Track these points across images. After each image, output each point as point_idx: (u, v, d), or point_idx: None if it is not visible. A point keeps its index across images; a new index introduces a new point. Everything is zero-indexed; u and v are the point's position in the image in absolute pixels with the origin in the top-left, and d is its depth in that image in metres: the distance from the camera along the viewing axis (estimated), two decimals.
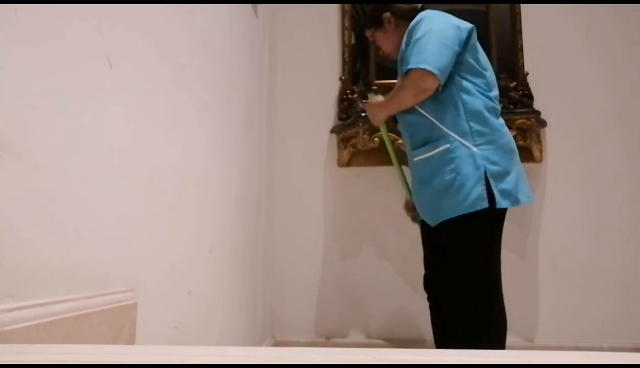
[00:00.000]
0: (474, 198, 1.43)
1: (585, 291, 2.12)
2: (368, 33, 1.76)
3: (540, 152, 2.15)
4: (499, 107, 1.58)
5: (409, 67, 1.47)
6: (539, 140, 2.14)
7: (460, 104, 1.50)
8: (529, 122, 2.10)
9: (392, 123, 1.86)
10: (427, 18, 1.53)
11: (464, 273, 1.49)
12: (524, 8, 2.27)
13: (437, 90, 1.48)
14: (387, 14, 1.67)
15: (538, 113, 2.12)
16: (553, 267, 2.15)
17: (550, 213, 2.18)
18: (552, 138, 2.21)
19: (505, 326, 1.52)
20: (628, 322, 2.08)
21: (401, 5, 1.67)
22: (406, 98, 1.52)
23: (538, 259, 2.17)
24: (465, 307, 1.47)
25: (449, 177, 1.47)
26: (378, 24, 1.69)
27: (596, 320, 2.09)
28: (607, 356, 0.47)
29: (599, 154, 2.19)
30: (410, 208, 1.78)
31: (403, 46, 1.58)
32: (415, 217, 1.77)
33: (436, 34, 1.47)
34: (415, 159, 1.57)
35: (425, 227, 1.68)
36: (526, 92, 2.16)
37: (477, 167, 1.45)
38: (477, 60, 1.54)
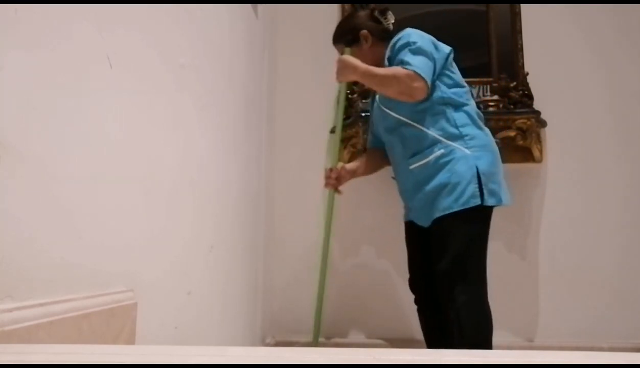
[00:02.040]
0: (468, 195, 1.51)
1: (585, 291, 2.11)
2: (342, 48, 1.75)
3: (540, 152, 2.14)
4: (482, 115, 1.68)
5: (412, 68, 1.50)
6: (539, 140, 2.14)
7: (448, 113, 1.59)
8: (529, 122, 2.10)
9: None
10: (412, 32, 1.61)
11: (464, 267, 1.52)
12: (524, 8, 2.27)
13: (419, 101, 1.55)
14: (364, 32, 1.70)
15: (538, 113, 2.12)
16: (553, 267, 2.15)
17: (550, 213, 2.18)
18: (552, 138, 2.21)
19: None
20: (628, 322, 2.07)
21: (377, 24, 1.72)
22: (390, 86, 1.55)
23: (538, 259, 2.17)
24: (470, 300, 1.50)
25: (444, 176, 1.54)
26: (355, 40, 1.71)
27: (596, 320, 2.09)
28: (607, 356, 0.47)
29: (598, 153, 2.19)
30: (335, 176, 1.78)
31: (387, 57, 1.64)
32: (331, 185, 1.79)
33: (426, 49, 1.55)
34: (411, 167, 1.62)
35: (414, 231, 1.72)
36: (526, 92, 2.16)
37: (470, 167, 1.53)
38: (455, 75, 1.64)
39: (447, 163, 1.54)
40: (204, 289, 1.37)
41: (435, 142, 1.57)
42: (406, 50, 1.56)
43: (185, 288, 1.23)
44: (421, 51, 1.54)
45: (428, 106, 1.58)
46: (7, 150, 0.65)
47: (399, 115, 1.62)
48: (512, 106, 2.14)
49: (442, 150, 1.55)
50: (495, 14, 2.28)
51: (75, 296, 0.78)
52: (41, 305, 0.69)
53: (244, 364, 0.48)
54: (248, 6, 1.89)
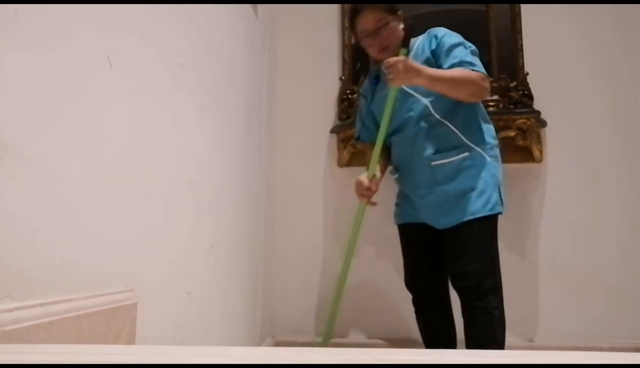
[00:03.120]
0: (494, 202, 1.56)
1: (585, 291, 2.11)
2: (386, 17, 1.61)
3: (540, 152, 2.15)
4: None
5: (481, 70, 1.54)
6: (539, 140, 2.14)
7: (476, 119, 1.62)
8: (529, 122, 2.10)
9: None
10: (455, 33, 1.63)
11: (491, 268, 1.55)
12: (524, 8, 2.27)
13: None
14: (400, 13, 1.69)
15: (538, 113, 2.12)
16: (553, 267, 2.15)
17: (550, 213, 2.18)
18: (552, 138, 2.21)
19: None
20: (628, 322, 2.07)
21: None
22: (464, 89, 1.53)
23: (538, 259, 2.17)
24: (494, 301, 1.53)
25: (471, 180, 1.57)
26: (396, 15, 1.65)
27: (596, 320, 2.09)
28: (607, 356, 0.47)
29: (598, 153, 2.19)
30: (370, 189, 1.66)
31: (433, 46, 1.61)
32: (368, 197, 1.67)
33: (477, 54, 1.61)
34: (434, 163, 1.60)
35: (416, 232, 1.71)
36: (526, 92, 2.16)
37: (493, 175, 1.58)
38: None
39: (471, 167, 1.57)
40: (204, 289, 1.37)
41: (461, 144, 1.58)
42: (466, 50, 1.57)
43: (185, 288, 1.23)
44: (477, 54, 1.59)
45: (463, 109, 1.60)
46: (7, 150, 0.65)
47: (434, 110, 1.60)
48: (512, 106, 2.14)
49: (467, 153, 1.58)
50: (495, 14, 2.28)
51: (75, 296, 0.78)
52: (41, 305, 0.69)
53: (244, 364, 0.48)
54: (248, 6, 1.89)
